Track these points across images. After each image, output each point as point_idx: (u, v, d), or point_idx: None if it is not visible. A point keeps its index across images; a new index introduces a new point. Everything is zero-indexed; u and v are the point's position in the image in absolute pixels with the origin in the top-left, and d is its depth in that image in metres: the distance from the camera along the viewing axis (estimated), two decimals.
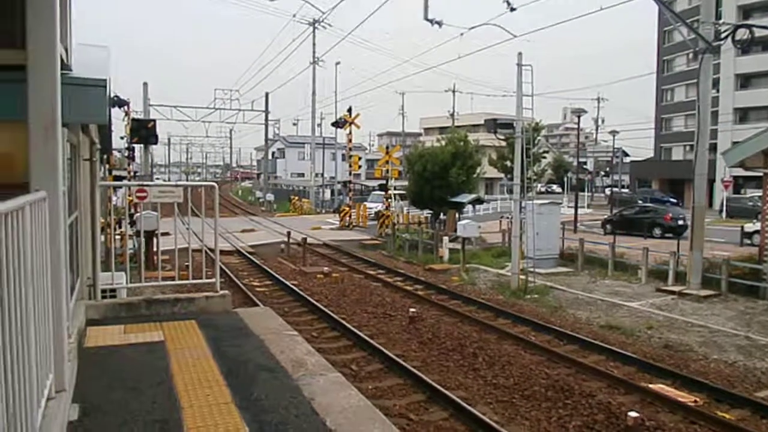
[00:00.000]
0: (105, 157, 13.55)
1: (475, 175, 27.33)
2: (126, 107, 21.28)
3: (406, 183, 31.03)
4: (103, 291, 6.51)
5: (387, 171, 28.96)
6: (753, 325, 11.78)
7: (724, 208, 37.42)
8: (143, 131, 17.73)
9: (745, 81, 48.63)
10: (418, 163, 26.74)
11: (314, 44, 44.03)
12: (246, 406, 3.83)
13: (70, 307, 4.67)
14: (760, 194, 17.00)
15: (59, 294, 3.26)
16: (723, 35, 14.85)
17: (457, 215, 25.38)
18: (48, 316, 2.98)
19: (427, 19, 16.13)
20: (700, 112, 14.99)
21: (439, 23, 16.26)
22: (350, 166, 33.62)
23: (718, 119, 44.57)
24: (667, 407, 7.69)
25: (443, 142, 27.88)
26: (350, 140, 33.92)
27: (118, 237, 16.20)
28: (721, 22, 16.48)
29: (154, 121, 19.27)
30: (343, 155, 47.44)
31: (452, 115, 66.16)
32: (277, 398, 3.97)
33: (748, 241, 22.25)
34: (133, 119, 20.51)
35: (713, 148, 36.49)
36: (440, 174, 25.84)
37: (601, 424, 7.14)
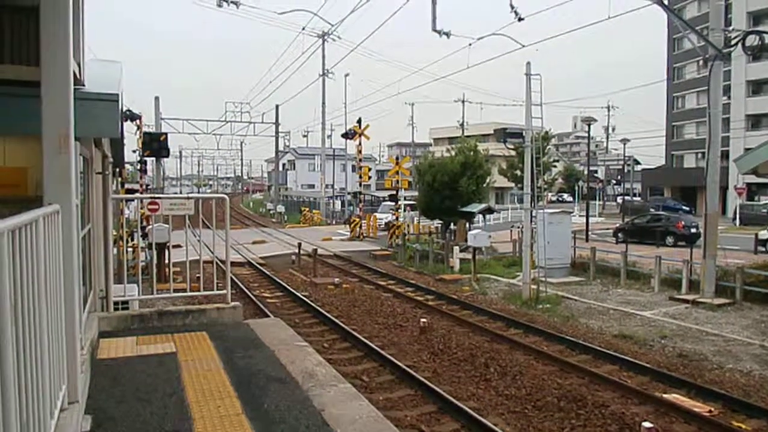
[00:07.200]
0: (117, 170, 13.69)
1: (485, 185, 27.29)
2: (138, 121, 21.54)
3: (416, 193, 31.04)
4: (116, 303, 6.56)
5: (397, 182, 29.00)
6: None
7: (738, 216, 37.11)
8: (155, 144, 17.93)
9: (756, 87, 48.33)
10: (428, 173, 26.75)
11: (323, 56, 44.31)
12: (257, 417, 3.84)
13: (82, 319, 4.71)
14: None
15: (72, 306, 3.30)
16: (733, 42, 14.79)
17: (467, 225, 25.33)
18: (61, 328, 3.01)
19: (436, 30, 16.21)
20: (711, 119, 14.91)
21: (447, 34, 16.36)
22: (360, 177, 33.70)
23: (729, 126, 44.32)
24: (681, 417, 7.59)
25: (453, 153, 27.89)
26: (360, 151, 34.03)
27: (130, 249, 16.32)
28: (730, 28, 16.40)
29: (166, 134, 19.47)
30: (353, 166, 47.59)
31: (462, 125, 66.26)
32: (288, 409, 3.97)
33: (763, 249, 22.05)
34: (145, 133, 20.75)
35: (725, 155, 36.25)
36: (450, 184, 25.84)
37: None
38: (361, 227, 31.85)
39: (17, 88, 4.23)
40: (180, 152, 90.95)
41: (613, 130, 71.70)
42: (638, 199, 56.21)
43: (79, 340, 3.64)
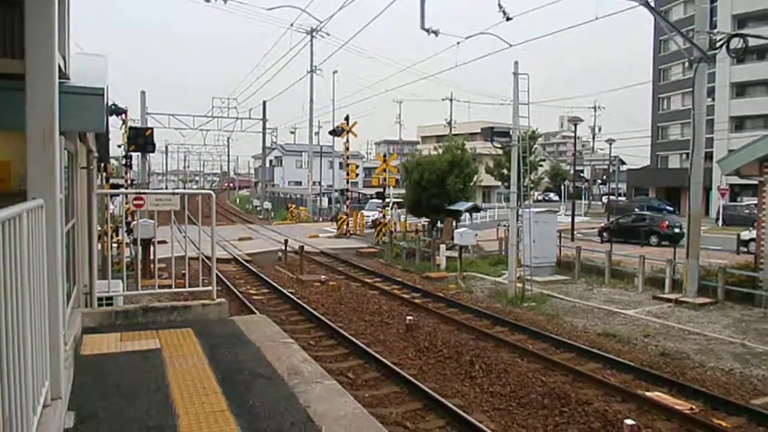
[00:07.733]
0: (102, 165, 13.56)
1: (472, 184, 27.33)
2: (123, 115, 21.32)
3: (403, 191, 31.07)
4: (100, 299, 6.51)
5: (384, 179, 29.01)
6: (749, 332, 11.80)
7: (721, 216, 37.56)
8: (140, 139, 17.72)
9: (740, 89, 48.90)
10: (415, 171, 26.77)
11: (312, 53, 44.25)
12: (241, 413, 3.83)
13: (66, 315, 4.68)
14: (756, 202, 17.05)
15: (56, 301, 3.27)
16: (718, 44, 14.95)
17: (454, 223, 25.39)
18: (44, 323, 2.98)
19: (424, 29, 16.19)
20: (696, 121, 15.07)
21: (436, 32, 16.32)
22: (347, 174, 33.68)
23: (714, 128, 44.83)
24: (663, 415, 7.69)
25: (440, 151, 27.92)
26: (347, 148, 33.98)
27: (114, 245, 16.18)
28: (715, 31, 16.57)
29: (152, 129, 19.28)
30: (340, 163, 47.50)
31: (449, 123, 66.41)
32: (273, 406, 3.97)
33: (745, 249, 22.33)
34: (131, 127, 20.52)
35: (709, 156, 36.68)
36: (437, 182, 25.87)
37: (597, 431, 7.14)
38: (348, 224, 31.84)
39: (2, 81, 4.18)
40: (166, 147, 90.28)
41: (600, 130, 72.24)
42: (623, 198, 56.72)
43: (63, 336, 3.62)
